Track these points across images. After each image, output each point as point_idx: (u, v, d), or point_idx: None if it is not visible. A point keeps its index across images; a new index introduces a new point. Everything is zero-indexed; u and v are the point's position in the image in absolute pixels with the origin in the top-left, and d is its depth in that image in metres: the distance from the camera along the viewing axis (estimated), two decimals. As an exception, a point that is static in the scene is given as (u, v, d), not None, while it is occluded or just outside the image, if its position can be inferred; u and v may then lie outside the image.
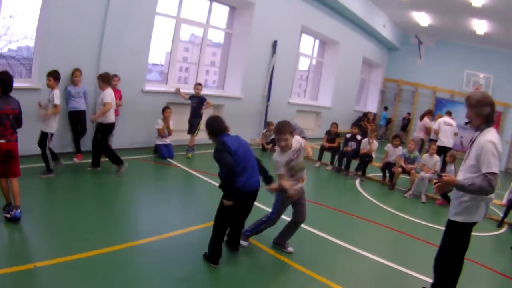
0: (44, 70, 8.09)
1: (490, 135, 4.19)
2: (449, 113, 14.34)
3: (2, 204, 5.58)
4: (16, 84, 6.05)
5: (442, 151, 12.08)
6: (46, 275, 4.27)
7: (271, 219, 5.65)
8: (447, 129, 13.11)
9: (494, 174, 4.00)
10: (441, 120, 13.57)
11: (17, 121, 5.66)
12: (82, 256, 4.70)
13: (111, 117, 8.46)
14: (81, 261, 4.59)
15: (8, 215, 5.40)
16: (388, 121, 23.44)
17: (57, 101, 7.42)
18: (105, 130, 8.51)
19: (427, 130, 14.71)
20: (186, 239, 5.75)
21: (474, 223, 4.38)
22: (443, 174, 4.65)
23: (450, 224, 4.48)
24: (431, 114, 15.54)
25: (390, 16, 21.40)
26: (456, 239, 4.48)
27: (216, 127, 5.10)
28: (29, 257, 4.61)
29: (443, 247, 4.59)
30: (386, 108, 23.69)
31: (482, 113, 4.24)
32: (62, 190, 7.17)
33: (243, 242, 5.70)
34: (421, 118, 15.42)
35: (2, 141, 5.42)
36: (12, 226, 5.27)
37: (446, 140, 12.88)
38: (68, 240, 5.10)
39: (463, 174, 4.35)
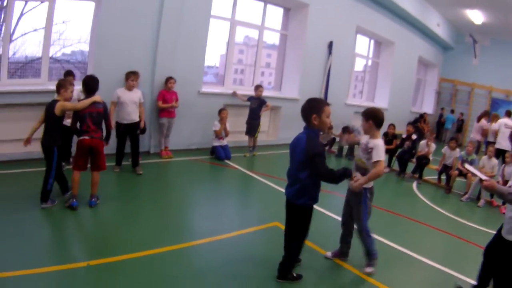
0: (99, 73, 7.97)
1: None
2: (508, 113, 13.86)
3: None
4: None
5: (500, 153, 11.76)
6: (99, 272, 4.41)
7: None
8: (506, 131, 12.82)
9: None
10: (502, 121, 13.32)
11: (102, 119, 6.23)
12: (140, 254, 4.81)
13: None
14: (138, 259, 4.71)
15: (67, 204, 6.03)
16: (460, 125, 22.22)
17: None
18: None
19: (484, 132, 14.26)
20: (240, 241, 5.71)
21: None
22: (484, 178, 4.19)
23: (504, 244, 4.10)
24: (487, 115, 15.11)
25: (444, 15, 20.80)
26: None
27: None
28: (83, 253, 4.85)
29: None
30: (452, 111, 22.63)
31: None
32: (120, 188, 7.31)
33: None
34: (478, 119, 15.16)
35: (86, 137, 6.04)
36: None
37: (504, 143, 12.62)
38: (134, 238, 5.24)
39: None
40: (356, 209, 5.15)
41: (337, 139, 13.45)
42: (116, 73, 8.41)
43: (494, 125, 13.75)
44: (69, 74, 7.74)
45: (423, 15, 18.82)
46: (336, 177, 4.27)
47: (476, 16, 18.84)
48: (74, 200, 6.05)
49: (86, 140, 6.05)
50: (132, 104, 8.26)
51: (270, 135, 13.49)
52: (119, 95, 8.15)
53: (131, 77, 8.23)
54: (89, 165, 6.26)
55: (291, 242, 4.64)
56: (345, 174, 4.33)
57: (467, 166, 4.57)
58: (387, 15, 17.37)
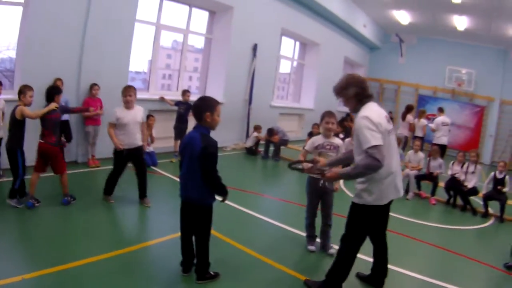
0: (25, 81, 7.96)
1: (364, 111, 4.08)
2: (441, 110, 14.78)
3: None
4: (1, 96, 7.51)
5: (442, 149, 12.67)
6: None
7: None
8: (445, 128, 13.92)
9: (374, 146, 3.83)
10: (439, 119, 14.15)
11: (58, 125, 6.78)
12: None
13: None
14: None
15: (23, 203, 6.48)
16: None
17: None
18: None
19: (411, 127, 14.89)
20: (160, 249, 5.76)
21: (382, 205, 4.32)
22: (325, 169, 4.59)
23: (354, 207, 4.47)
24: (412, 110, 15.65)
25: (371, 16, 21.56)
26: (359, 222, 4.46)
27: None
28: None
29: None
30: (390, 113, 21.88)
31: (350, 95, 4.17)
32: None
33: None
34: (403, 116, 15.54)
35: (42, 141, 6.54)
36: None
37: (445, 138, 13.84)
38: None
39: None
40: (330, 200, 5.97)
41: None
42: (43, 80, 8.04)
43: (423, 121, 14.47)
44: None
45: (349, 16, 19.45)
46: (220, 184, 4.54)
47: (403, 17, 19.74)
48: (30, 200, 6.44)
49: (41, 144, 6.55)
50: (134, 124, 7.16)
51: (196, 138, 13.41)
52: (119, 116, 7.04)
53: (126, 92, 7.13)
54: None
55: (201, 244, 4.73)
56: (225, 189, 4.64)
57: (293, 166, 4.86)
58: (312, 17, 17.86)
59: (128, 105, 7.12)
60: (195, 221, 4.67)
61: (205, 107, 4.47)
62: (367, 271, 5.14)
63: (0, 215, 6.10)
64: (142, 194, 7.42)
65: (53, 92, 6.70)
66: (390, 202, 4.42)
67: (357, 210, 4.39)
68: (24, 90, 6.46)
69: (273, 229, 6.94)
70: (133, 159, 7.29)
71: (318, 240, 6.15)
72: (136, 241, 5.83)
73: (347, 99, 4.22)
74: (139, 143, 7.28)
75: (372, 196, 4.19)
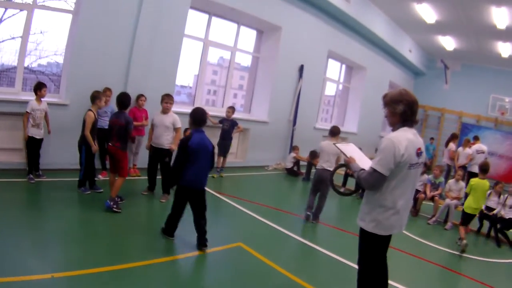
0: (72, 87, 8.49)
1: (397, 133, 3.91)
2: (476, 138, 14.46)
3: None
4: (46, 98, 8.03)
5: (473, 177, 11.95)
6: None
7: None
8: (479, 156, 13.39)
9: (374, 171, 3.80)
10: (475, 147, 13.80)
11: (122, 131, 7.13)
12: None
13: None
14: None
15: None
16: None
17: None
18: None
19: (451, 155, 14.53)
20: (206, 260, 5.83)
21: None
22: (349, 156, 4.38)
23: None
24: (456, 138, 15.28)
25: (416, 41, 21.36)
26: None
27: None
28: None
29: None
30: (432, 139, 21.49)
31: (396, 111, 3.96)
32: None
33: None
34: (447, 143, 15.25)
35: (109, 144, 7.28)
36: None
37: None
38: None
39: None
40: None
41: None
42: (89, 88, 8.20)
43: (468, 150, 14.04)
44: (41, 86, 7.78)
45: (395, 40, 19.29)
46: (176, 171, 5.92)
47: (448, 42, 19.47)
48: (108, 200, 7.03)
49: (108, 147, 7.40)
50: (162, 127, 8.18)
51: (238, 156, 13.53)
52: (154, 117, 8.42)
53: (165, 100, 8.30)
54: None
55: (201, 220, 6.07)
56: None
57: (338, 145, 4.63)
58: (359, 40, 17.75)
59: (164, 110, 8.31)
60: (201, 201, 6.12)
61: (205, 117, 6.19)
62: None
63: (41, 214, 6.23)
64: (164, 189, 8.35)
65: (127, 101, 7.44)
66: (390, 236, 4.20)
67: (362, 235, 4.23)
68: (99, 96, 7.67)
69: (308, 250, 6.93)
70: (159, 157, 8.33)
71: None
72: (170, 253, 5.87)
73: (393, 113, 4.00)
74: (165, 146, 8.26)
75: (372, 223, 4.03)
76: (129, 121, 7.18)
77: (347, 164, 4.29)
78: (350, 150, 4.50)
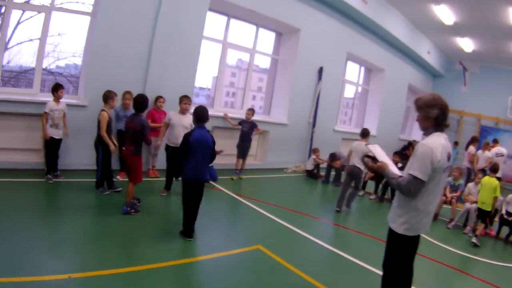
0: (90, 88, 8.59)
1: (432, 139, 3.90)
2: (495, 141, 14.53)
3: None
4: (64, 100, 8.21)
5: None
6: None
7: None
8: (499, 159, 13.37)
9: (414, 178, 3.78)
10: (494, 150, 13.82)
11: (137, 135, 6.90)
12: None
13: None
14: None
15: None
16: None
17: None
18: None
19: (470, 158, 14.40)
20: (223, 261, 5.80)
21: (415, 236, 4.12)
22: (380, 160, 4.33)
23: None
24: (476, 141, 15.16)
25: (434, 42, 21.13)
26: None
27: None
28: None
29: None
30: (456, 143, 19.83)
31: (430, 116, 3.94)
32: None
33: None
34: (467, 146, 15.18)
35: (123, 148, 7.10)
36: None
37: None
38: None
39: None
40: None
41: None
42: (107, 88, 8.12)
43: (487, 153, 13.90)
44: (58, 87, 7.87)
45: (414, 42, 19.09)
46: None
47: (467, 44, 19.22)
48: (125, 207, 7.02)
49: (122, 151, 7.28)
50: (180, 127, 8.43)
51: (257, 158, 13.50)
52: (171, 117, 8.51)
53: (183, 101, 8.61)
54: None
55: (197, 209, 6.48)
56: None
57: (369, 146, 4.56)
58: (378, 42, 17.62)
59: (183, 111, 8.62)
60: (200, 193, 6.47)
61: (207, 113, 6.44)
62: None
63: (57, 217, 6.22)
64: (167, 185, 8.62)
65: (145, 103, 7.13)
66: (419, 236, 4.21)
67: (392, 236, 4.22)
68: (111, 96, 7.72)
69: (326, 253, 6.88)
70: (173, 154, 8.44)
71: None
72: (188, 255, 5.85)
73: (426, 118, 3.99)
74: None
75: (404, 225, 4.04)
76: (145, 126, 6.94)
77: (380, 169, 4.20)
78: (379, 152, 4.47)
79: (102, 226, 6.30)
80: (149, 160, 9.83)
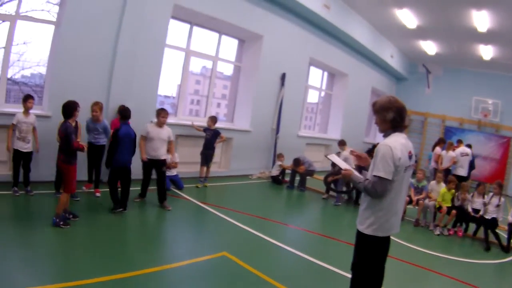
0: (54, 98, 8.42)
1: (391, 139, 3.99)
2: (459, 142, 14.85)
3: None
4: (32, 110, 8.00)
5: (460, 180, 12.26)
6: None
7: None
8: (464, 159, 13.80)
9: (379, 178, 3.83)
10: (458, 150, 14.10)
11: (63, 143, 6.73)
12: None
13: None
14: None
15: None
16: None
17: None
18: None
19: (436, 158, 14.69)
20: (190, 270, 5.80)
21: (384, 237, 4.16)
22: (344, 167, 4.32)
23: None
24: (443, 142, 15.42)
25: (398, 46, 21.54)
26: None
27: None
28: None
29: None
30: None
31: (386, 118, 4.04)
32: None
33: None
34: (433, 147, 15.44)
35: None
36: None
37: (463, 170, 13.68)
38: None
39: None
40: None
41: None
42: (71, 97, 7.68)
43: (451, 153, 14.20)
44: (27, 97, 7.76)
45: (377, 47, 19.42)
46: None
47: (430, 47, 19.64)
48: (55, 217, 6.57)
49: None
50: (159, 140, 8.63)
51: (222, 166, 13.49)
52: (148, 130, 8.65)
53: (161, 114, 8.68)
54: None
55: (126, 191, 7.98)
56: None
57: (328, 156, 4.69)
58: (340, 47, 17.86)
59: (160, 124, 8.69)
60: (128, 175, 7.98)
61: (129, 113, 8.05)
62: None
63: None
64: (161, 198, 8.71)
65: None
66: (389, 237, 4.25)
67: (361, 239, 4.25)
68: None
69: (293, 258, 6.90)
70: (155, 168, 8.74)
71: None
72: (153, 264, 5.74)
73: (383, 120, 4.09)
74: (162, 157, 8.76)
75: (373, 226, 4.07)
76: (67, 133, 6.59)
77: (347, 176, 4.25)
78: (338, 161, 4.60)
79: (60, 236, 6.20)
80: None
